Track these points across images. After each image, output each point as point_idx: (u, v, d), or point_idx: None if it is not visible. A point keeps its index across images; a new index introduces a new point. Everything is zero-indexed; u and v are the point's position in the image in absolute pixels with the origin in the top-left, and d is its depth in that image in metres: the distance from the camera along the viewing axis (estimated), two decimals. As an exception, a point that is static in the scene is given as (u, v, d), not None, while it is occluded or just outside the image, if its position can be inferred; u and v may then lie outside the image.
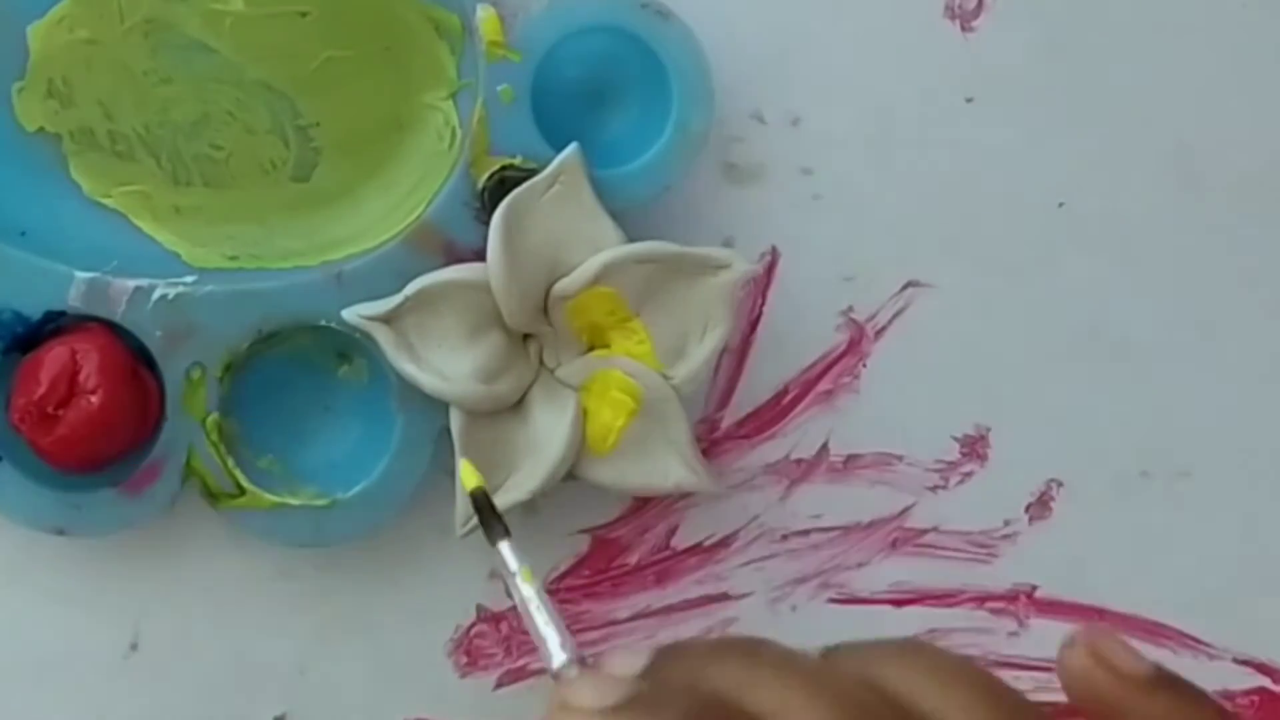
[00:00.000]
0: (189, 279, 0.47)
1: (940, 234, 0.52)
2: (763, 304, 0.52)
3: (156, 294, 0.47)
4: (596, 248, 0.47)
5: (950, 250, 0.52)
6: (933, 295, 0.52)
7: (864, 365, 0.52)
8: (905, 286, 0.52)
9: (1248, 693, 0.54)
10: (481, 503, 0.41)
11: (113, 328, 0.47)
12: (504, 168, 0.48)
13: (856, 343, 0.52)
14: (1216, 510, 0.54)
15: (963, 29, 0.52)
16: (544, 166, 0.47)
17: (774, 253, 0.52)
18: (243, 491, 0.48)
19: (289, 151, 0.49)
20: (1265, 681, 0.54)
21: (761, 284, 0.52)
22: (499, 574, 0.50)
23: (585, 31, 0.48)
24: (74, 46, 0.47)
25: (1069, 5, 0.52)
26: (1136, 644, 0.49)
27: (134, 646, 0.51)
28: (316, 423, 0.49)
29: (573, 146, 0.47)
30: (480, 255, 0.47)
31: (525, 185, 0.47)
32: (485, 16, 0.47)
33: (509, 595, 0.39)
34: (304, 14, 0.48)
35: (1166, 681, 0.35)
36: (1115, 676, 0.34)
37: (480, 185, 0.48)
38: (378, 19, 0.48)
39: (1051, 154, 0.53)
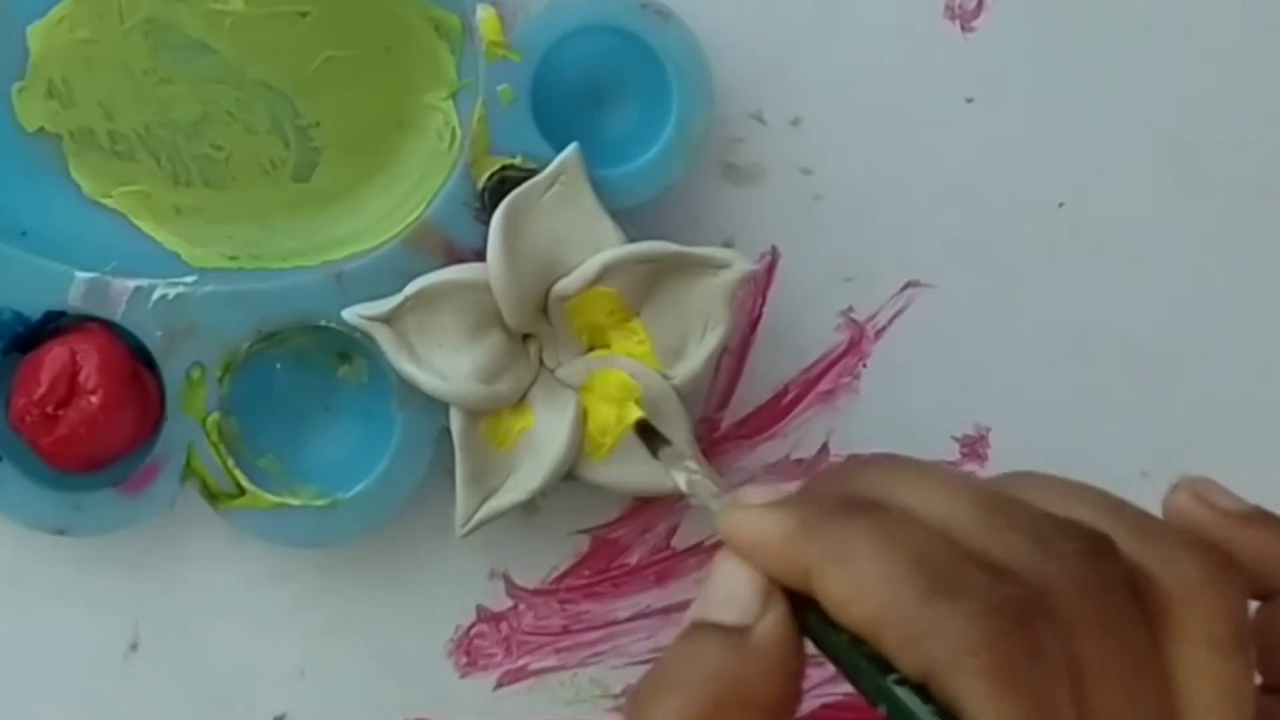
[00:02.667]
0: (189, 279, 0.47)
1: (940, 234, 0.52)
2: (763, 304, 0.52)
3: (156, 294, 0.47)
4: (596, 248, 0.47)
5: (950, 250, 0.52)
6: (933, 295, 0.52)
7: (864, 365, 0.52)
8: (905, 286, 0.52)
9: None
10: (644, 428, 0.47)
11: (113, 328, 0.47)
12: (504, 168, 0.48)
13: (856, 343, 0.52)
14: None
15: (963, 29, 0.52)
16: (544, 166, 0.47)
17: (774, 253, 0.52)
18: (243, 491, 0.48)
19: (289, 151, 0.49)
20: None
21: (761, 284, 0.52)
22: (497, 574, 0.51)
23: (585, 31, 0.48)
24: (74, 46, 0.47)
25: (1069, 5, 0.52)
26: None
27: (134, 646, 0.51)
28: (316, 423, 0.49)
29: (573, 146, 0.47)
30: (480, 255, 0.47)
31: (525, 185, 0.47)
32: (485, 16, 0.47)
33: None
34: (304, 14, 0.48)
35: (1262, 514, 0.37)
36: (1215, 512, 0.37)
37: (480, 185, 0.48)
38: (378, 19, 0.48)
39: (1051, 154, 0.53)
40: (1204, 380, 0.53)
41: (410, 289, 0.47)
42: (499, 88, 0.48)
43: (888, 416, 0.52)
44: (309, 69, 0.48)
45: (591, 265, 0.47)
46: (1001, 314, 0.53)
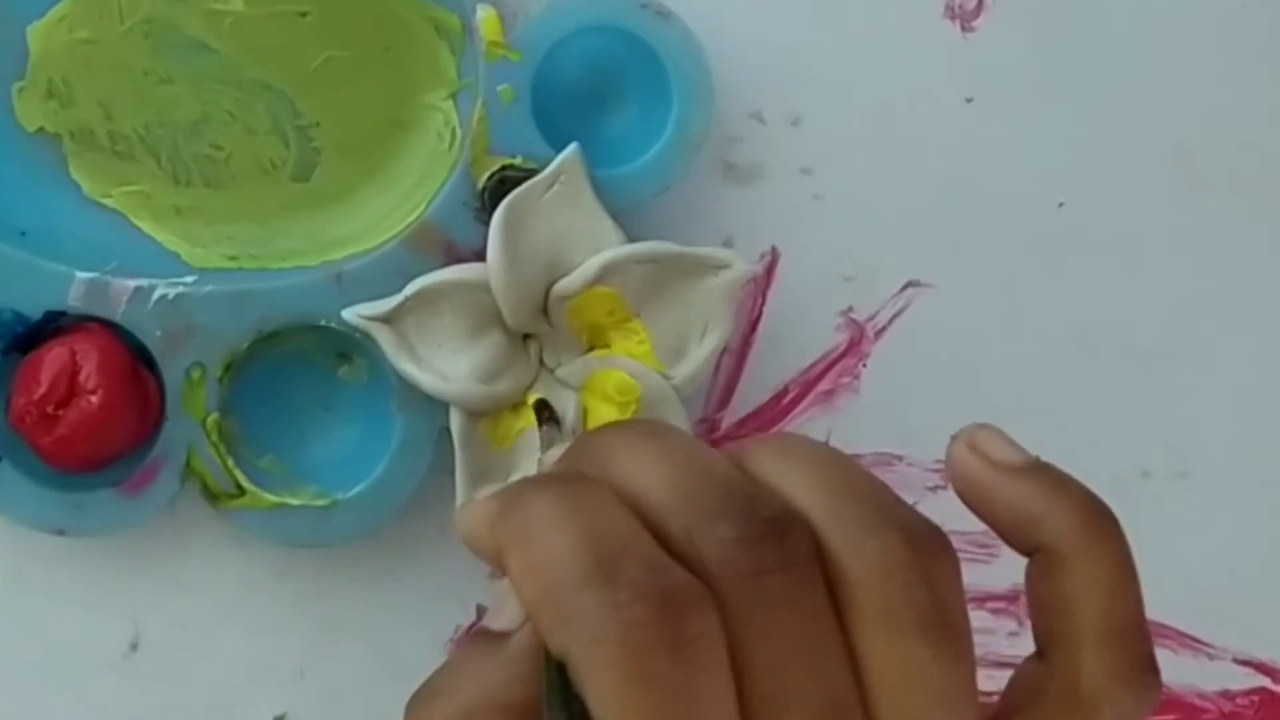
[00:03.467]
0: (189, 279, 0.47)
1: (940, 234, 0.52)
2: (763, 304, 0.52)
3: (156, 294, 0.47)
4: (596, 248, 0.47)
5: (950, 250, 0.52)
6: (933, 295, 0.52)
7: (864, 365, 0.52)
8: (905, 286, 0.52)
9: (1248, 693, 0.54)
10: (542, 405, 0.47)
11: (113, 328, 0.47)
12: (504, 168, 0.48)
13: (856, 343, 0.52)
14: (1216, 510, 0.54)
15: (963, 29, 0.52)
16: (544, 166, 0.47)
17: (774, 253, 0.52)
18: (243, 491, 0.48)
19: (289, 151, 0.49)
20: (1265, 681, 0.54)
21: (761, 284, 0.52)
22: (497, 574, 0.51)
23: (585, 31, 0.48)
24: (74, 46, 0.47)
25: (1069, 5, 0.52)
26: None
27: (134, 646, 0.51)
28: (316, 423, 0.49)
29: (573, 146, 0.47)
30: (480, 255, 0.47)
31: (525, 185, 0.47)
32: (485, 16, 0.47)
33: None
34: (304, 14, 0.48)
35: (1035, 467, 0.36)
36: (987, 463, 0.36)
37: (480, 185, 0.48)
38: (378, 19, 0.48)
39: (1051, 154, 0.53)
40: (1204, 380, 0.53)
41: (410, 289, 0.47)
42: (499, 88, 0.48)
43: (888, 416, 0.52)
44: (309, 69, 0.48)
45: (591, 265, 0.47)
46: (1001, 314, 0.53)
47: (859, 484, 0.34)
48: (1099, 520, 0.36)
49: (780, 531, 0.32)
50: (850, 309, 0.52)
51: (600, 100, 0.49)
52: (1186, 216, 0.53)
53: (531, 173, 0.47)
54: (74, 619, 0.50)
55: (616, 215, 0.48)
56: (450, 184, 0.48)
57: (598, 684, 0.30)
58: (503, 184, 0.47)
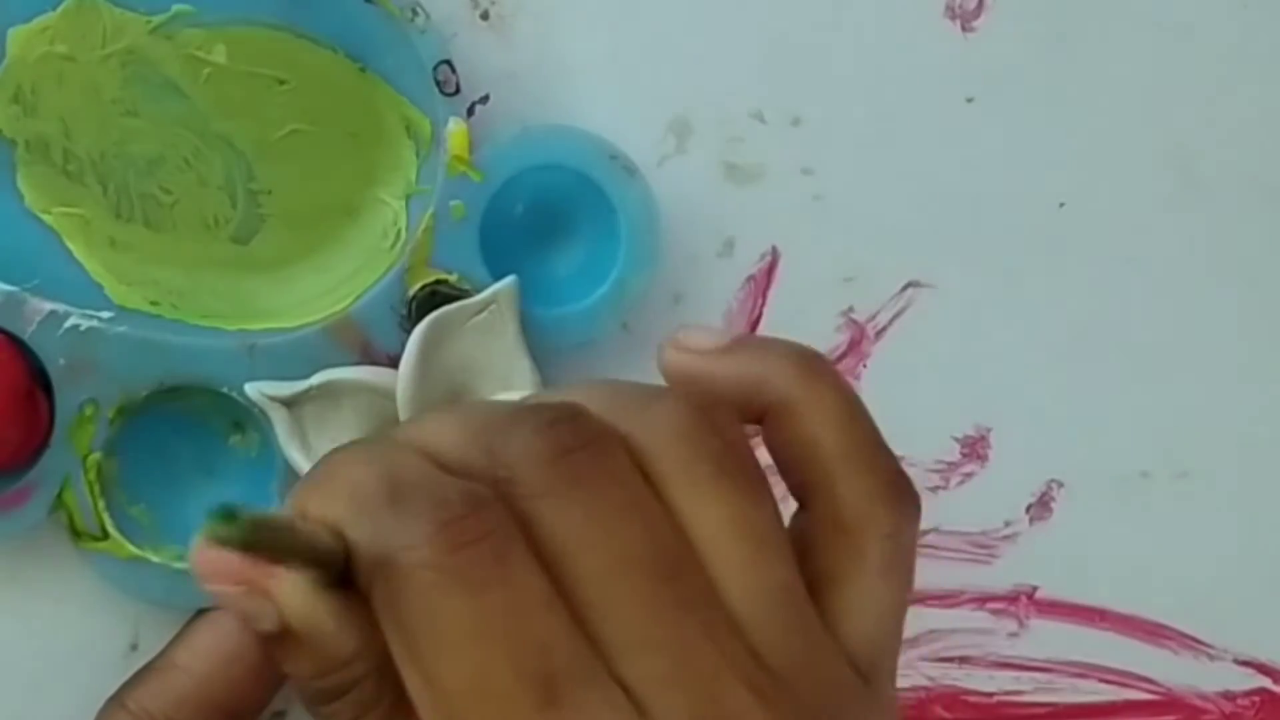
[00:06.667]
0: (105, 314, 0.47)
1: (940, 234, 0.52)
2: (763, 304, 0.52)
3: (69, 322, 0.46)
4: (507, 385, 0.47)
5: (950, 250, 0.52)
6: (933, 295, 0.52)
7: (864, 365, 0.52)
8: (905, 287, 0.52)
9: (1248, 693, 0.54)
10: None
11: (18, 344, 0.46)
12: (438, 281, 0.47)
13: (857, 343, 0.52)
14: (1216, 510, 0.54)
15: (963, 29, 0.52)
16: (477, 290, 0.47)
17: (774, 253, 0.52)
18: (106, 536, 0.47)
19: (235, 211, 0.48)
20: (1265, 682, 0.54)
21: (761, 284, 0.52)
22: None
23: (550, 168, 0.48)
24: (50, 59, 0.47)
25: (1069, 5, 0.52)
26: (1136, 645, 0.52)
27: (134, 646, 0.50)
28: (196, 485, 0.49)
29: (510, 279, 0.47)
30: (394, 361, 0.47)
31: (454, 305, 0.47)
32: (455, 129, 0.47)
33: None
34: (283, 82, 0.48)
35: (738, 341, 0.38)
36: (695, 354, 0.38)
37: (411, 294, 0.47)
38: (353, 104, 0.48)
39: (1051, 154, 0.53)
40: (1204, 380, 0.54)
41: (317, 379, 0.47)
42: (452, 202, 0.47)
43: (888, 417, 0.51)
44: (273, 136, 0.48)
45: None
46: (1001, 314, 0.53)
47: (628, 384, 0.36)
48: (813, 363, 0.38)
49: (572, 415, 0.34)
50: (850, 309, 0.52)
51: (548, 238, 0.49)
52: (1186, 216, 0.53)
53: (463, 294, 0.47)
54: (74, 619, 0.50)
55: (535, 355, 0.48)
56: (383, 284, 0.48)
57: (411, 590, 0.32)
58: (433, 297, 0.47)
